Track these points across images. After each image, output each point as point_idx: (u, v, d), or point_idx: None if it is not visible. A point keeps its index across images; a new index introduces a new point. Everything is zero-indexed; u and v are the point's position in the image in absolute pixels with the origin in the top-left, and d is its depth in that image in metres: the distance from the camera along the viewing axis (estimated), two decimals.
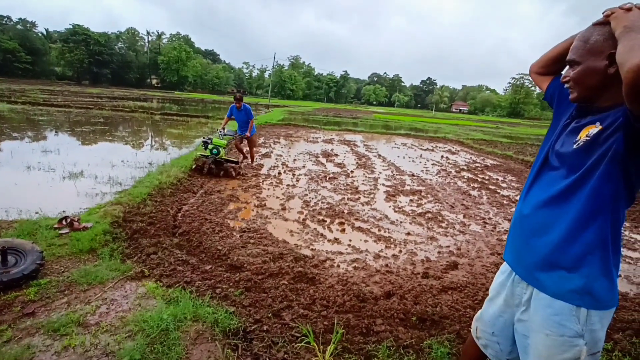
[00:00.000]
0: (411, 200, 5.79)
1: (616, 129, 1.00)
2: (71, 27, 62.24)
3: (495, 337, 1.38)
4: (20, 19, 68.20)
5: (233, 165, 6.38)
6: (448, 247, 4.00)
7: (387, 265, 3.41)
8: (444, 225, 4.72)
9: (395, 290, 2.85)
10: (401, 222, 4.72)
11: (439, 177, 7.94)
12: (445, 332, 2.35)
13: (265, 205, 4.92)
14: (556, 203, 1.12)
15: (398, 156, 10.52)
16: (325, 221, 4.48)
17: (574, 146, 1.10)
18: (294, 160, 8.51)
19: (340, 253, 3.60)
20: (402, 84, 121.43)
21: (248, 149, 7.51)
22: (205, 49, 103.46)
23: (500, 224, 4.95)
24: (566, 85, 1.17)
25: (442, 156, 11.29)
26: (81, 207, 4.18)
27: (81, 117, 14.05)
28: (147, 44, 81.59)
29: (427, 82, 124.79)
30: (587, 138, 1.07)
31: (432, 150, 12.84)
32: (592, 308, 1.06)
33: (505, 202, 6.17)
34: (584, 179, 1.06)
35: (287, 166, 7.65)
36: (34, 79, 54.20)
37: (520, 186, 7.57)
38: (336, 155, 9.68)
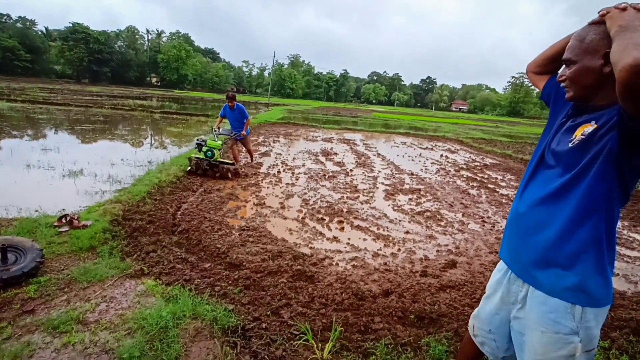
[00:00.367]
0: (410, 199, 5.80)
1: (611, 127, 1.01)
2: (71, 25, 62.11)
3: (492, 335, 1.39)
4: (20, 17, 68.40)
5: (229, 166, 6.08)
6: (447, 245, 4.01)
7: (385, 263, 3.42)
8: (442, 224, 4.73)
9: (393, 289, 2.86)
10: (400, 220, 4.73)
11: (438, 176, 7.95)
12: (443, 330, 2.37)
13: (264, 203, 4.93)
14: (552, 201, 1.13)
15: (397, 155, 10.52)
16: (324, 220, 4.49)
17: (570, 145, 1.11)
18: (294, 158, 8.51)
19: (339, 251, 3.61)
20: (402, 82, 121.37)
21: (246, 149, 7.30)
22: (205, 48, 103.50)
23: (498, 222, 4.96)
24: (562, 84, 1.17)
25: (441, 155, 11.30)
26: (81, 205, 4.19)
27: (81, 115, 14.05)
28: (146, 42, 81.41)
29: (427, 81, 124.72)
30: (583, 137, 1.08)
31: (432, 149, 12.85)
32: (587, 305, 1.07)
33: (504, 201, 6.18)
34: (579, 178, 1.06)
35: (286, 165, 7.65)
36: (33, 77, 54.06)
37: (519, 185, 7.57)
38: (335, 154, 9.69)
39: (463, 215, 5.15)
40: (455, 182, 7.42)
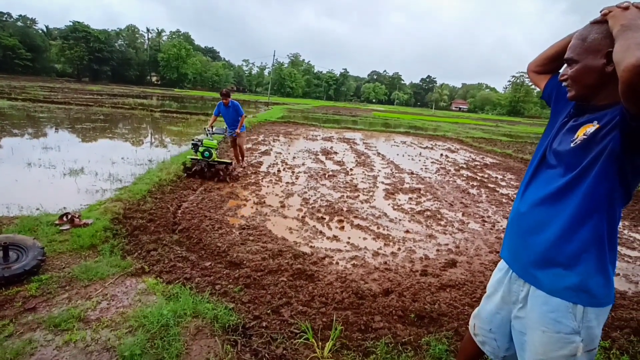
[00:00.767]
0: (410, 198, 5.80)
1: (613, 127, 1.00)
2: (71, 24, 62.11)
3: (493, 334, 1.39)
4: (20, 15, 68.19)
5: (226, 167, 5.88)
6: (447, 245, 4.01)
7: (385, 262, 3.42)
8: (442, 223, 4.73)
9: (393, 288, 2.86)
10: (400, 220, 4.73)
11: (438, 175, 7.95)
12: (443, 329, 2.37)
13: (264, 202, 4.93)
14: (553, 201, 1.13)
15: (397, 154, 10.52)
16: (325, 219, 4.50)
17: (572, 144, 1.11)
18: (294, 158, 8.51)
19: (339, 250, 3.62)
20: (402, 82, 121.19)
21: (239, 147, 6.82)
22: (205, 47, 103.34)
23: (499, 222, 4.96)
24: (564, 84, 1.17)
25: (441, 154, 11.29)
26: (82, 204, 4.19)
27: (81, 114, 14.04)
28: (147, 41, 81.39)
29: (427, 80, 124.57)
30: (585, 136, 1.07)
31: (432, 148, 12.84)
32: (588, 305, 1.07)
33: (504, 200, 6.18)
34: (581, 178, 1.06)
35: (286, 164, 7.65)
36: (34, 76, 54.06)
37: (520, 185, 7.57)
38: (335, 153, 9.68)
39: (463, 215, 5.15)
40: (455, 181, 7.42)
